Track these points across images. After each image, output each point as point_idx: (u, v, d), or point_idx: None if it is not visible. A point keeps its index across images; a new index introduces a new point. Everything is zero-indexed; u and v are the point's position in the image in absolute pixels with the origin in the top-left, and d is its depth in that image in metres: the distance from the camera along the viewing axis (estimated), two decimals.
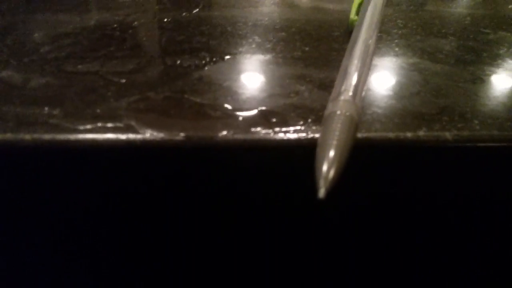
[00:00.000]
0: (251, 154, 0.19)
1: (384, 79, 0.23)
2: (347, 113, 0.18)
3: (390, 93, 0.22)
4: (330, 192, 0.15)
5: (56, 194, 0.20)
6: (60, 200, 0.20)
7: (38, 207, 0.20)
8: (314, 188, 0.15)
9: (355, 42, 0.23)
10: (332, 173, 0.15)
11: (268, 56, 0.25)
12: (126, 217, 0.21)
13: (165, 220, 0.21)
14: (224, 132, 0.19)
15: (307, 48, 0.26)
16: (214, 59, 0.24)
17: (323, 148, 0.16)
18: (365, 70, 0.21)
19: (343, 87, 0.20)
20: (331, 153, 0.16)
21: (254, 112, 0.20)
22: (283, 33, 0.28)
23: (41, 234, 0.22)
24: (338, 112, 0.18)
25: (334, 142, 0.16)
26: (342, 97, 0.19)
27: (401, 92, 0.22)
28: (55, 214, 0.21)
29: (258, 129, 0.19)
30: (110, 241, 0.22)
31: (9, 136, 0.18)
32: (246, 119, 0.20)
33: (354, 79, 0.20)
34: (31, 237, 0.22)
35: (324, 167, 0.15)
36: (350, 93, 0.19)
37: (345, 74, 0.21)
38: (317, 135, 0.19)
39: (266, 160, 0.19)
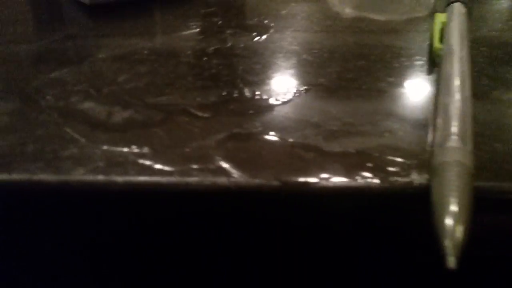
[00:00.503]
0: (347, 202, 0.18)
1: (480, 118, 0.22)
2: (461, 162, 0.16)
3: (491, 134, 0.20)
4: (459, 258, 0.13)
5: (151, 236, 0.19)
6: (148, 242, 0.19)
7: (128, 247, 0.20)
8: (440, 255, 0.14)
9: (450, 76, 0.22)
10: (460, 233, 0.14)
11: (351, 88, 0.24)
12: (212, 261, 0.20)
13: (254, 264, 0.20)
14: (322, 176, 0.17)
15: (391, 79, 0.24)
16: (296, 91, 0.23)
17: (442, 203, 0.15)
18: (469, 109, 0.20)
19: (449, 130, 0.18)
20: (455, 209, 0.14)
21: (348, 153, 0.19)
22: (363, 61, 0.26)
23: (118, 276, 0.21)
24: (450, 161, 0.16)
25: (455, 196, 0.15)
26: (451, 143, 0.17)
27: (506, 132, 0.20)
28: (145, 253, 0.20)
29: (355, 174, 0.18)
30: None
31: (98, 178, 0.17)
32: (341, 162, 0.18)
33: (460, 120, 0.19)
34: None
35: (450, 226, 0.14)
36: (459, 137, 0.18)
37: (447, 115, 0.19)
38: (418, 183, 0.17)
39: (361, 209, 0.18)
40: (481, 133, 0.20)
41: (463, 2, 0.31)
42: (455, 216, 0.14)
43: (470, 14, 0.30)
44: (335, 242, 0.19)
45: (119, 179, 0.17)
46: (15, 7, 0.34)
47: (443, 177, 0.16)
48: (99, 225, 0.19)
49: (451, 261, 0.13)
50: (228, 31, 0.30)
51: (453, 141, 0.17)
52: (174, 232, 0.19)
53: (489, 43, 0.29)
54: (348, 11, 0.33)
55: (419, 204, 0.17)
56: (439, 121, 0.19)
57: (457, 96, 0.20)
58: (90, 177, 0.17)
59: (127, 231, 0.19)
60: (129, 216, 0.18)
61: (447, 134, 0.18)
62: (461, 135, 0.18)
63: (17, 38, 0.28)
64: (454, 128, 0.18)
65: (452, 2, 0.31)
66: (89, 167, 0.18)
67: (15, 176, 0.17)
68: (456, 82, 0.21)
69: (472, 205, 0.15)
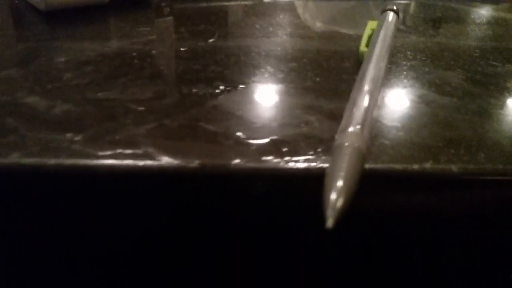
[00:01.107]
0: (262, 182, 0.20)
1: (392, 111, 0.24)
2: (355, 145, 0.18)
3: (398, 125, 0.23)
4: (337, 222, 0.16)
5: (74, 218, 0.21)
6: (78, 224, 0.21)
7: (57, 231, 0.21)
8: (323, 218, 0.16)
9: (364, 74, 0.24)
10: (340, 203, 0.16)
11: (279, 86, 0.26)
12: (139, 243, 0.22)
13: (176, 246, 0.22)
14: (237, 161, 0.19)
15: (318, 79, 0.27)
16: (228, 88, 0.25)
17: (331, 179, 0.17)
18: (373, 102, 0.22)
19: (351, 119, 0.20)
20: (339, 184, 0.17)
21: (265, 141, 0.21)
22: (295, 64, 0.29)
23: (57, 256, 0.23)
24: (346, 144, 0.18)
25: (342, 174, 0.17)
26: (350, 129, 0.19)
27: (409, 124, 0.23)
28: (74, 238, 0.22)
29: (269, 158, 0.20)
30: (123, 263, 0.23)
31: (34, 160, 0.19)
32: (257, 148, 0.20)
33: (362, 111, 0.21)
34: (48, 259, 0.23)
35: (333, 198, 0.16)
36: (359, 125, 0.20)
37: (354, 106, 0.21)
38: (326, 165, 0.19)
39: (276, 189, 0.20)
40: (388, 124, 0.23)
41: (394, 11, 0.34)
42: (338, 190, 0.16)
43: (402, 24, 0.33)
44: (247, 223, 0.21)
45: (51, 161, 0.19)
46: None
47: (335, 157, 0.18)
48: (34, 206, 0.20)
49: (329, 222, 0.15)
50: (174, 36, 0.32)
51: (352, 126, 0.20)
52: (100, 212, 0.21)
53: (415, 47, 0.32)
54: (318, 25, 0.36)
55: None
56: (346, 112, 0.22)
57: (365, 91, 0.22)
58: (24, 160, 0.19)
59: (58, 212, 0.21)
60: (60, 196, 0.20)
61: (348, 122, 0.20)
62: (362, 122, 0.20)
63: None
64: (357, 117, 0.20)
65: (385, 11, 0.34)
66: (25, 151, 0.19)
67: None
68: (367, 79, 0.23)
69: (357, 181, 0.17)
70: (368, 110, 0.21)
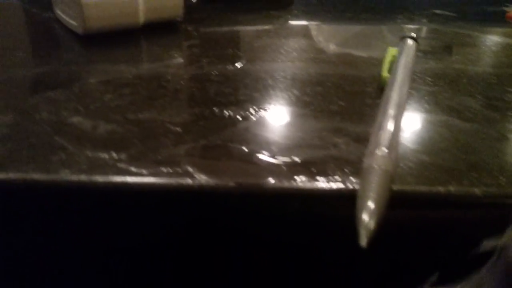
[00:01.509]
0: (295, 201, 0.21)
1: (415, 135, 0.25)
2: (384, 168, 0.20)
3: (421, 148, 0.24)
4: (370, 240, 0.17)
5: (120, 233, 0.22)
6: (122, 236, 0.22)
7: (103, 244, 0.23)
8: (356, 236, 0.17)
9: (388, 100, 0.26)
10: (372, 224, 0.17)
11: (306, 109, 0.27)
12: (174, 257, 0.23)
13: (208, 262, 0.23)
14: (271, 180, 0.21)
15: (342, 103, 0.28)
16: (258, 111, 0.27)
17: (363, 200, 0.18)
18: (398, 126, 0.23)
19: (378, 142, 0.22)
20: (371, 206, 0.18)
21: (296, 162, 0.22)
22: (320, 87, 0.30)
23: (98, 269, 0.24)
24: (375, 166, 0.20)
25: (373, 195, 0.18)
26: (378, 152, 0.21)
27: (431, 147, 0.24)
28: (117, 253, 0.23)
29: (301, 178, 0.21)
30: (162, 277, 0.24)
31: (83, 177, 0.21)
32: (289, 168, 0.22)
33: (388, 134, 0.22)
34: (90, 272, 0.24)
35: (365, 219, 0.17)
36: (386, 148, 0.21)
37: (380, 130, 0.23)
38: (354, 186, 0.21)
39: (307, 208, 0.21)
40: (412, 147, 0.24)
41: (413, 39, 0.35)
42: (370, 211, 0.18)
43: (418, 49, 0.34)
44: (282, 239, 0.22)
45: (100, 179, 0.21)
46: (16, 35, 0.38)
47: (366, 179, 0.19)
48: (82, 220, 0.22)
49: (364, 241, 0.17)
50: (205, 60, 0.33)
51: (380, 150, 0.21)
52: (145, 227, 0.22)
53: (435, 73, 0.33)
54: (332, 48, 0.37)
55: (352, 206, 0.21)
56: (373, 136, 0.23)
57: (390, 116, 0.24)
58: (74, 177, 0.21)
59: (106, 226, 0.22)
60: (108, 212, 0.22)
61: (376, 145, 0.21)
62: (388, 145, 0.21)
63: (16, 64, 0.32)
64: (383, 140, 0.22)
65: (404, 38, 0.35)
66: (74, 168, 0.21)
67: (12, 175, 0.20)
68: (391, 104, 0.25)
69: (387, 202, 0.19)
70: (394, 133, 0.22)
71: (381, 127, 0.23)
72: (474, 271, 0.16)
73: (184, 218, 0.22)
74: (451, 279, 0.16)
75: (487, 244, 0.14)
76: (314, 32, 0.42)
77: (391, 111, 0.24)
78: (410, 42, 0.35)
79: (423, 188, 0.21)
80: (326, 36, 0.42)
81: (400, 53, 0.33)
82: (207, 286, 0.24)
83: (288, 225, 0.22)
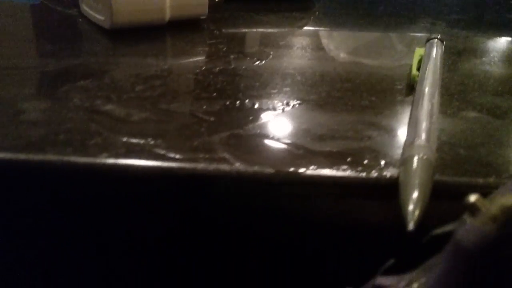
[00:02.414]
0: (333, 190, 0.21)
1: (448, 130, 0.25)
2: (425, 157, 0.20)
3: (457, 142, 0.24)
4: (416, 226, 0.17)
5: (158, 218, 0.22)
6: (158, 220, 0.22)
7: (140, 230, 0.23)
8: (403, 223, 0.17)
9: (422, 95, 0.25)
10: (418, 211, 0.17)
11: (338, 104, 0.27)
12: (211, 241, 0.23)
13: (246, 247, 0.23)
14: (310, 168, 0.21)
15: (373, 98, 0.28)
16: (290, 104, 0.27)
17: (407, 189, 0.18)
18: (434, 119, 0.23)
19: (417, 133, 0.22)
20: (416, 194, 0.18)
21: (332, 152, 0.22)
22: (349, 84, 0.30)
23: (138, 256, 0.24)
24: (417, 156, 0.20)
25: (417, 184, 0.18)
26: (418, 142, 0.21)
27: (466, 142, 0.24)
28: (154, 238, 0.23)
29: (339, 167, 0.21)
30: (202, 263, 0.24)
31: (120, 161, 0.21)
32: (326, 158, 0.22)
33: (426, 126, 0.22)
34: (122, 261, 0.24)
35: (411, 206, 0.17)
36: (425, 139, 0.21)
37: (417, 122, 0.23)
38: (391, 175, 0.20)
39: (344, 196, 0.21)
40: (448, 141, 0.24)
41: (440, 40, 0.35)
42: (415, 199, 0.18)
43: (444, 49, 0.34)
44: (317, 227, 0.22)
45: (138, 163, 0.20)
46: (43, 30, 0.38)
47: (409, 168, 0.19)
48: (118, 203, 0.22)
49: (411, 225, 0.16)
50: (232, 56, 0.33)
51: (419, 140, 0.21)
52: (182, 214, 0.22)
53: (462, 73, 0.33)
54: (342, 56, 0.37)
55: (390, 194, 0.21)
56: (410, 128, 0.23)
57: (426, 109, 0.24)
58: (112, 161, 0.21)
59: (141, 210, 0.22)
60: (144, 196, 0.21)
61: (415, 136, 0.21)
62: (427, 137, 0.21)
63: (45, 55, 0.32)
64: (421, 131, 0.22)
65: (431, 39, 0.35)
66: (112, 152, 0.21)
67: (50, 157, 0.20)
68: (426, 98, 0.25)
69: (430, 190, 0.18)
70: (431, 125, 0.22)
71: (418, 119, 0.23)
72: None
73: (220, 204, 0.22)
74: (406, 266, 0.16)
75: (440, 230, 0.15)
76: (324, 40, 0.42)
77: (426, 105, 0.24)
78: (436, 42, 0.35)
79: (462, 179, 0.21)
80: (337, 43, 0.42)
81: (428, 53, 0.33)
82: (249, 271, 0.24)
83: (325, 213, 0.22)
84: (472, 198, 0.14)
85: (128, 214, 0.22)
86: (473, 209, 0.14)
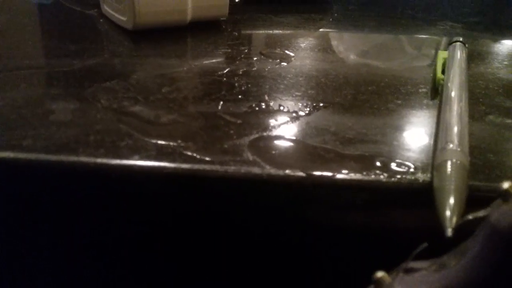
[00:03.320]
0: (364, 194, 0.21)
1: (477, 134, 0.25)
2: (459, 161, 0.19)
3: (486, 147, 0.23)
4: (455, 231, 0.16)
5: (187, 219, 0.22)
6: (190, 223, 0.22)
7: (168, 230, 0.23)
8: (441, 228, 0.17)
9: (450, 98, 0.25)
10: (455, 216, 0.17)
11: (365, 107, 0.27)
12: (239, 243, 0.23)
13: (277, 249, 0.23)
14: (341, 171, 0.21)
15: (399, 101, 0.28)
16: (316, 107, 0.27)
17: (443, 194, 0.18)
18: (465, 124, 0.23)
19: (449, 138, 0.21)
20: (452, 199, 0.18)
21: (362, 155, 0.22)
22: (374, 87, 0.30)
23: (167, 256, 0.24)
24: (451, 161, 0.20)
25: (452, 187, 0.18)
26: (451, 147, 0.21)
27: (496, 147, 0.24)
28: (182, 238, 0.23)
29: (369, 171, 0.21)
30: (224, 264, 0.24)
31: (151, 163, 0.21)
32: (356, 161, 0.22)
33: (457, 131, 0.22)
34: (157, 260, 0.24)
35: (448, 212, 0.17)
36: (457, 143, 0.21)
37: (448, 127, 0.22)
38: (422, 180, 0.20)
39: (376, 201, 0.21)
40: (477, 146, 0.24)
41: (462, 43, 0.35)
42: (453, 206, 0.17)
43: (467, 52, 0.34)
44: (346, 231, 0.22)
45: (169, 165, 0.21)
46: (65, 31, 0.38)
47: (443, 174, 0.19)
48: (150, 205, 0.22)
49: (449, 232, 0.16)
50: (254, 58, 0.33)
51: (453, 145, 0.21)
52: (212, 214, 0.22)
53: (486, 77, 0.33)
54: (352, 58, 0.37)
55: (421, 199, 0.20)
56: (441, 132, 0.23)
57: (455, 113, 0.24)
58: (144, 162, 0.21)
59: (172, 211, 0.22)
60: (175, 198, 0.22)
61: (447, 141, 0.21)
62: (459, 141, 0.21)
63: (69, 55, 0.32)
64: (453, 136, 0.21)
65: (453, 42, 0.35)
66: (143, 154, 0.21)
67: (82, 158, 0.20)
68: (455, 102, 0.25)
69: (466, 195, 0.18)
70: (462, 129, 0.22)
71: (448, 124, 0.23)
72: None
73: (250, 207, 0.22)
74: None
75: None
76: (334, 42, 0.42)
77: (456, 109, 0.24)
78: (459, 45, 0.35)
79: (492, 184, 0.21)
80: (346, 46, 0.42)
81: (452, 56, 0.32)
82: (272, 272, 0.24)
83: (355, 215, 0.22)
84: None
85: (159, 215, 0.22)
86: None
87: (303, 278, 0.24)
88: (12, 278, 0.25)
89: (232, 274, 0.24)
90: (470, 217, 0.16)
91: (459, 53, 0.33)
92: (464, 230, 0.16)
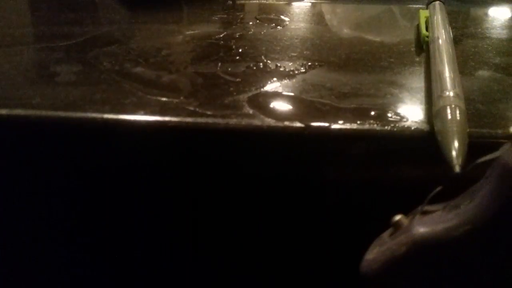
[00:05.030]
0: (361, 143, 0.22)
1: (467, 87, 0.26)
2: (457, 106, 0.21)
3: (475, 98, 0.25)
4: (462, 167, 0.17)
5: (191, 173, 0.23)
6: (191, 175, 0.23)
7: (173, 184, 0.24)
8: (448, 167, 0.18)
9: (439, 50, 0.26)
10: (460, 156, 0.18)
11: (359, 65, 0.28)
12: (243, 191, 0.24)
13: (276, 200, 0.24)
14: (337, 122, 0.22)
15: (392, 59, 0.29)
16: (311, 65, 0.28)
17: (447, 136, 0.19)
18: (456, 73, 0.24)
19: (444, 86, 0.22)
20: (456, 140, 0.19)
21: (357, 108, 0.23)
22: (367, 47, 0.31)
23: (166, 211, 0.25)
24: (449, 106, 0.21)
25: (455, 129, 0.19)
26: (447, 93, 0.22)
27: (484, 98, 0.25)
28: (187, 196, 0.24)
29: (365, 121, 0.22)
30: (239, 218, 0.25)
31: (156, 118, 0.22)
32: (352, 113, 0.23)
33: (451, 78, 0.23)
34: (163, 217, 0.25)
35: (454, 152, 0.18)
36: (453, 90, 0.22)
37: (441, 76, 0.23)
38: (417, 127, 0.21)
39: (373, 149, 0.22)
40: (467, 97, 0.25)
41: (441, 1, 0.36)
42: (457, 147, 0.18)
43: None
44: (345, 178, 0.23)
45: (173, 119, 0.21)
46: (62, 2, 0.39)
47: (444, 118, 0.20)
48: (156, 158, 0.23)
49: (457, 168, 0.17)
50: (250, 22, 0.34)
51: (448, 92, 0.22)
52: (215, 164, 0.23)
53: (475, 37, 0.34)
54: (346, 31, 0.38)
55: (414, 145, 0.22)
56: (435, 82, 0.24)
57: (446, 63, 0.24)
58: (148, 117, 0.22)
59: (177, 164, 0.23)
60: (179, 152, 0.23)
61: (443, 89, 0.22)
62: (454, 88, 0.22)
63: (68, 23, 0.33)
64: (448, 83, 0.22)
65: (432, 1, 0.36)
66: (148, 110, 0.22)
67: (90, 115, 0.21)
68: (446, 55, 0.26)
69: (467, 136, 0.19)
70: (455, 77, 0.23)
71: (441, 73, 0.24)
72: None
73: (251, 158, 0.23)
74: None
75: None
76: (328, 16, 0.42)
77: (446, 60, 0.25)
78: (438, 4, 0.35)
79: (483, 130, 0.22)
80: (339, 19, 0.42)
81: (433, 14, 0.33)
82: (275, 223, 0.25)
83: (352, 166, 0.23)
84: None
85: (165, 168, 0.23)
86: None
87: (301, 225, 0.25)
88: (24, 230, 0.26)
89: (235, 220, 0.25)
90: (481, 159, 0.16)
91: (440, 11, 0.33)
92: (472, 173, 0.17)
